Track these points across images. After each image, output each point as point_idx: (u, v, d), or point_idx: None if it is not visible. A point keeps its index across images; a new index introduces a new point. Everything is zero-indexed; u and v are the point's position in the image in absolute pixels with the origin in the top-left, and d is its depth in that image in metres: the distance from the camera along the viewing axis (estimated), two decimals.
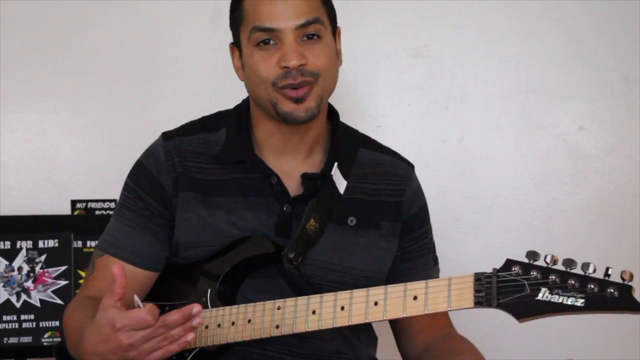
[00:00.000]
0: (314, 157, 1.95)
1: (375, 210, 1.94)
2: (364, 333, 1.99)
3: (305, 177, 1.91)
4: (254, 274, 1.88)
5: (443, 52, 2.91)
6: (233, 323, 1.80)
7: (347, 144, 1.97)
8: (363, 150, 2.00)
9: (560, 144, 2.91)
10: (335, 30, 1.93)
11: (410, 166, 2.05)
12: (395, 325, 2.03)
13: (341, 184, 1.92)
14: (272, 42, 1.83)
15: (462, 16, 2.91)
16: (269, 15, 1.82)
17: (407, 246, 1.98)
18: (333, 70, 1.89)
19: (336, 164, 1.91)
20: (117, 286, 1.63)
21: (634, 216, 2.88)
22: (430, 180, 2.88)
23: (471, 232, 2.87)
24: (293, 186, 1.91)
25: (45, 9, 2.88)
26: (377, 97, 2.92)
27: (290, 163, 1.93)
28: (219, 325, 1.81)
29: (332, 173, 1.91)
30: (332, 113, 2.00)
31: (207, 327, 1.83)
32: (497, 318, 2.84)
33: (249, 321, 1.78)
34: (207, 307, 1.84)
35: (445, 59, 2.91)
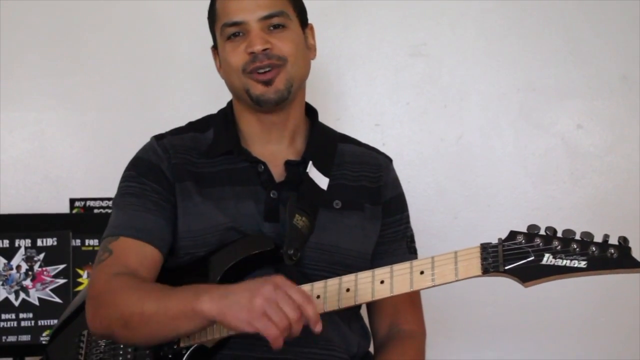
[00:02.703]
0: (296, 144, 2.03)
1: (358, 194, 2.01)
2: (355, 323, 2.02)
3: (288, 164, 1.98)
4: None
5: (441, 50, 2.91)
6: None
7: (326, 139, 2.06)
8: (342, 144, 2.08)
9: (558, 142, 2.91)
10: (305, 26, 2.03)
11: (388, 159, 2.13)
12: (368, 316, 2.09)
13: (320, 179, 1.98)
14: (240, 34, 1.95)
15: (460, 15, 2.91)
16: (236, 11, 1.95)
17: (381, 230, 2.03)
18: (302, 58, 1.98)
19: (311, 162, 1.98)
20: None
21: (633, 215, 2.87)
22: (429, 179, 2.89)
23: (470, 230, 2.86)
24: (278, 173, 1.98)
25: (44, 9, 2.88)
26: (376, 95, 2.92)
27: (275, 151, 2.01)
28: None
29: (308, 170, 1.97)
30: (312, 111, 2.09)
31: None
32: (497, 318, 2.86)
33: None
34: None
35: (443, 58, 2.91)
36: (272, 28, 1.95)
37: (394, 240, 2.05)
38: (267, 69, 1.93)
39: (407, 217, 2.10)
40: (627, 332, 2.88)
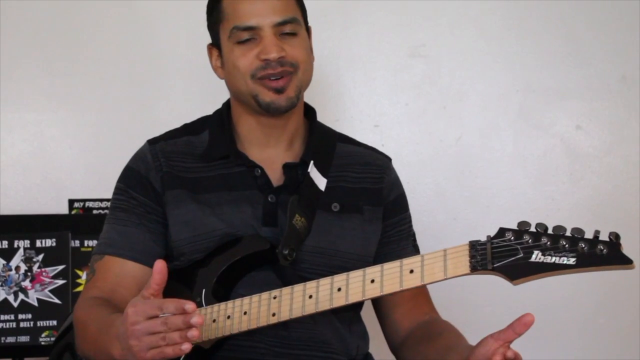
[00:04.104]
0: (294, 147, 2.02)
1: (357, 196, 2.00)
2: (355, 326, 2.01)
3: (286, 167, 1.97)
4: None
5: (441, 51, 2.91)
6: (229, 317, 1.82)
7: (325, 139, 2.05)
8: (341, 144, 2.07)
9: (557, 143, 2.91)
10: (307, 29, 2.02)
11: (387, 159, 2.11)
12: (379, 312, 2.07)
13: (319, 180, 1.97)
14: (252, 38, 1.92)
15: (459, 16, 2.91)
16: (249, 14, 1.92)
17: (386, 231, 2.03)
18: (310, 64, 1.99)
19: (312, 162, 1.97)
20: (152, 280, 1.65)
21: (632, 215, 2.88)
22: (428, 180, 2.89)
23: (469, 231, 2.86)
24: (276, 177, 1.97)
25: (44, 9, 2.88)
26: (375, 96, 2.92)
27: (273, 155, 1.99)
28: (214, 321, 1.82)
29: (309, 170, 1.96)
30: (310, 111, 2.08)
31: None
32: (496, 318, 2.86)
33: (245, 313, 1.80)
34: (202, 306, 1.85)
35: (442, 59, 2.91)
36: (283, 34, 1.93)
37: (399, 239, 2.04)
38: (279, 77, 1.91)
39: (410, 216, 2.10)
40: (627, 332, 2.88)
